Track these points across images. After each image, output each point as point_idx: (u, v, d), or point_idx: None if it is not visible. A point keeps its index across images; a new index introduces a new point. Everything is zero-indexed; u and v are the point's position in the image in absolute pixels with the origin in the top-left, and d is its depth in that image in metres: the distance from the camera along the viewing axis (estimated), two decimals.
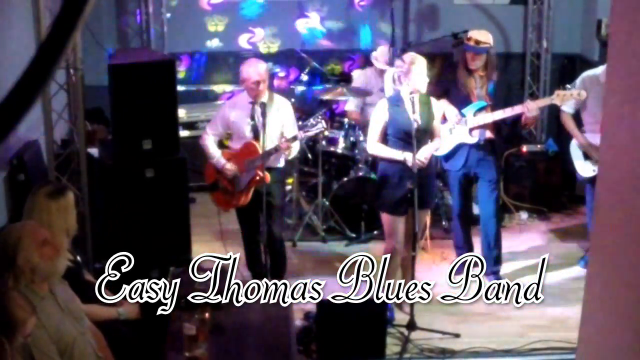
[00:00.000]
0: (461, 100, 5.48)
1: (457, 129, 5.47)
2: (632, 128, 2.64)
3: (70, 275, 3.55)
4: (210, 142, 5.32)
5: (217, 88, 8.26)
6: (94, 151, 5.89)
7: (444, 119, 5.41)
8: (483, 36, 5.44)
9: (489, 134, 5.53)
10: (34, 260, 3.11)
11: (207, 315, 3.63)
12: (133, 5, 8.02)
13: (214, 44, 8.17)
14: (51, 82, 4.61)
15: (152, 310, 3.99)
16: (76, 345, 3.20)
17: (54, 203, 3.77)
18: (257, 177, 5.11)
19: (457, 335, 5.01)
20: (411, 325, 4.95)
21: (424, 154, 4.95)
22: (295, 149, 5.33)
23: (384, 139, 5.06)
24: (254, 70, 5.10)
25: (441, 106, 5.30)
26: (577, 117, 5.85)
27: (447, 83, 5.63)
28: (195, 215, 5.81)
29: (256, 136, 5.16)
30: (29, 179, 4.97)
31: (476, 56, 5.42)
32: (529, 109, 5.34)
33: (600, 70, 5.61)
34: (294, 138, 5.17)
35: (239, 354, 3.75)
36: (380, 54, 6.95)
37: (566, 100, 5.50)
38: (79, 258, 4.10)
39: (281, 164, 5.35)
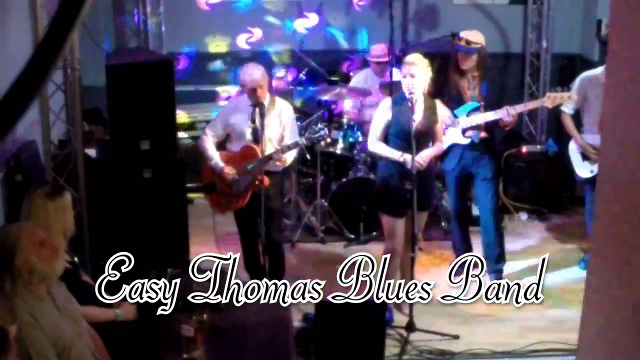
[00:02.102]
0: (454, 101, 5.46)
1: (450, 130, 5.46)
2: (632, 128, 2.63)
3: (67, 277, 3.53)
4: (209, 144, 5.30)
5: (216, 88, 8.24)
6: (91, 152, 5.87)
7: None
8: (474, 36, 5.42)
9: (483, 134, 5.53)
10: (32, 261, 3.09)
11: (205, 316, 3.61)
12: (131, 5, 8.00)
13: (212, 43, 8.15)
14: (48, 82, 4.59)
15: (150, 311, 3.98)
16: (74, 346, 3.18)
17: (52, 203, 3.75)
18: (256, 181, 5.08)
19: (456, 337, 5.00)
20: (410, 327, 4.94)
21: (422, 157, 4.94)
22: (290, 158, 5.29)
23: (386, 138, 5.06)
24: (249, 77, 5.08)
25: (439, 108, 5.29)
26: (577, 117, 5.85)
27: (440, 84, 5.61)
28: (193, 216, 5.79)
29: (256, 139, 5.14)
30: (26, 179, 4.95)
31: (467, 56, 5.40)
32: (509, 114, 5.35)
33: (599, 70, 5.60)
34: (288, 147, 5.14)
35: (237, 356, 3.74)
36: (375, 51, 6.94)
37: (557, 103, 5.49)
38: (76, 259, 4.09)
39: (280, 168, 5.32)
